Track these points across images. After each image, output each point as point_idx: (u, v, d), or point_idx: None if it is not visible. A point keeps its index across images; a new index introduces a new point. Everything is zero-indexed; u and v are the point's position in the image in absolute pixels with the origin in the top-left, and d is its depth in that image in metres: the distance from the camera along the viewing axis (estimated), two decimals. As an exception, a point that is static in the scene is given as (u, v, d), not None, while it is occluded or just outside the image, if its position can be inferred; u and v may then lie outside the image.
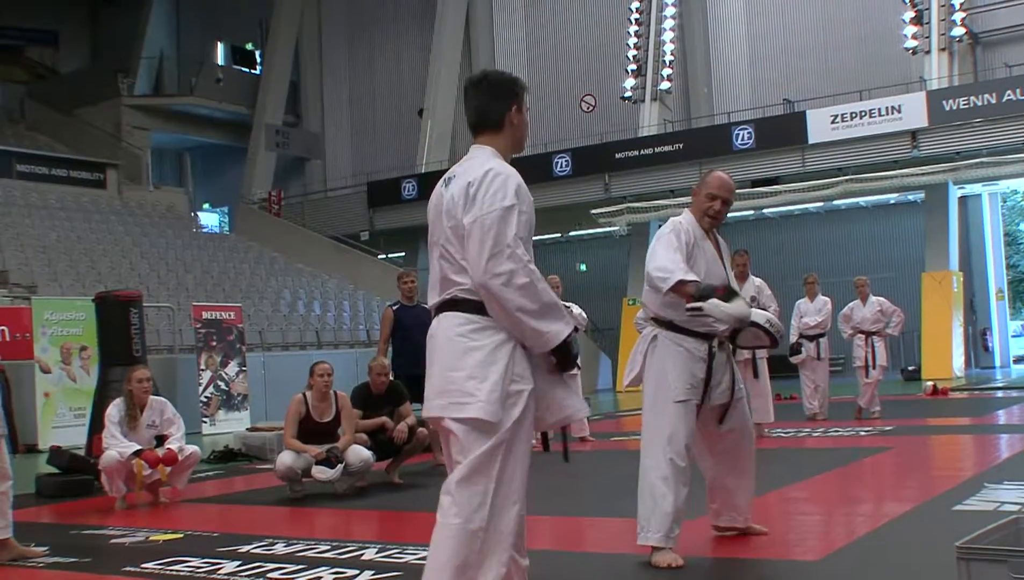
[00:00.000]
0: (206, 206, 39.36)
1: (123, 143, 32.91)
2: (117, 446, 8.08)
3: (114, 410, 8.31)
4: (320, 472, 8.16)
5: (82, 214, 27.32)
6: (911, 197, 26.70)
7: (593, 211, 27.28)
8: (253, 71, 38.22)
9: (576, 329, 12.06)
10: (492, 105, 3.78)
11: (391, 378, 9.40)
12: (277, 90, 35.96)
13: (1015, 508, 5.83)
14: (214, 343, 17.88)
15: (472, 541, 3.41)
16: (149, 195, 31.89)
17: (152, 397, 8.48)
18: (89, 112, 33.48)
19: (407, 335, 10.01)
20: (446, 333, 3.61)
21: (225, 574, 5.36)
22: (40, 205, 26.75)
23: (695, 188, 5.41)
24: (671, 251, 5.06)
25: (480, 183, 3.55)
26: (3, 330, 16.28)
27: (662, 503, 4.97)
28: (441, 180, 3.78)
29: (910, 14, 24.79)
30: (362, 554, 5.66)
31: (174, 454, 8.25)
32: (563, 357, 3.60)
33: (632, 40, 29.05)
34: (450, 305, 3.64)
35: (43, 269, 21.62)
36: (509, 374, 3.52)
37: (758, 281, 10.99)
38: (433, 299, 3.73)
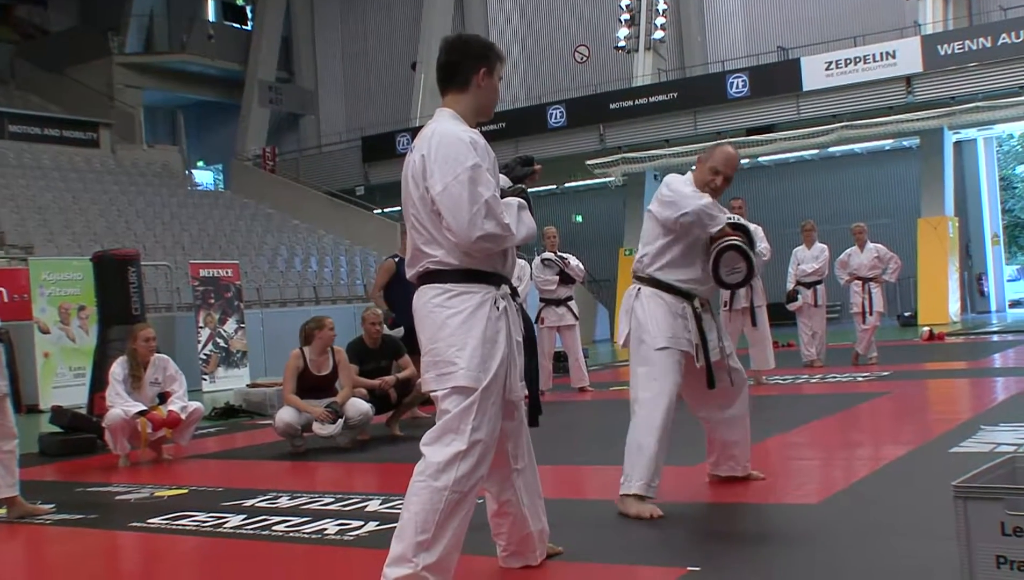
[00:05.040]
0: (200, 164, 39.23)
1: (115, 102, 32.72)
2: (122, 404, 8.13)
3: (118, 368, 8.36)
4: (321, 428, 8.22)
5: (76, 174, 27.25)
6: (906, 143, 26.64)
7: (588, 162, 27.19)
8: (244, 27, 37.96)
9: (575, 281, 11.97)
10: (462, 63, 3.83)
11: (391, 329, 9.45)
12: (269, 46, 35.73)
13: (1011, 449, 5.89)
14: (212, 301, 17.90)
15: (436, 499, 3.53)
16: (143, 154, 31.75)
17: (155, 355, 8.52)
18: (80, 71, 33.23)
19: (407, 288, 10.09)
20: (425, 305, 3.73)
21: (231, 528, 5.42)
22: (33, 165, 26.65)
23: (700, 156, 5.41)
24: (704, 196, 5.13)
25: (436, 151, 3.62)
26: (1, 291, 16.29)
27: (646, 453, 5.01)
28: (410, 147, 3.84)
29: (904, -43, 24.64)
30: (366, 505, 5.72)
31: (177, 417, 8.28)
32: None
33: (625, -11, 28.86)
34: (425, 277, 3.75)
35: (39, 229, 21.60)
36: (486, 337, 3.64)
37: (753, 226, 10.99)
38: (410, 273, 3.83)
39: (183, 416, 8.32)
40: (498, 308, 3.70)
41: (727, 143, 5.52)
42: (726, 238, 5.09)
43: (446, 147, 3.62)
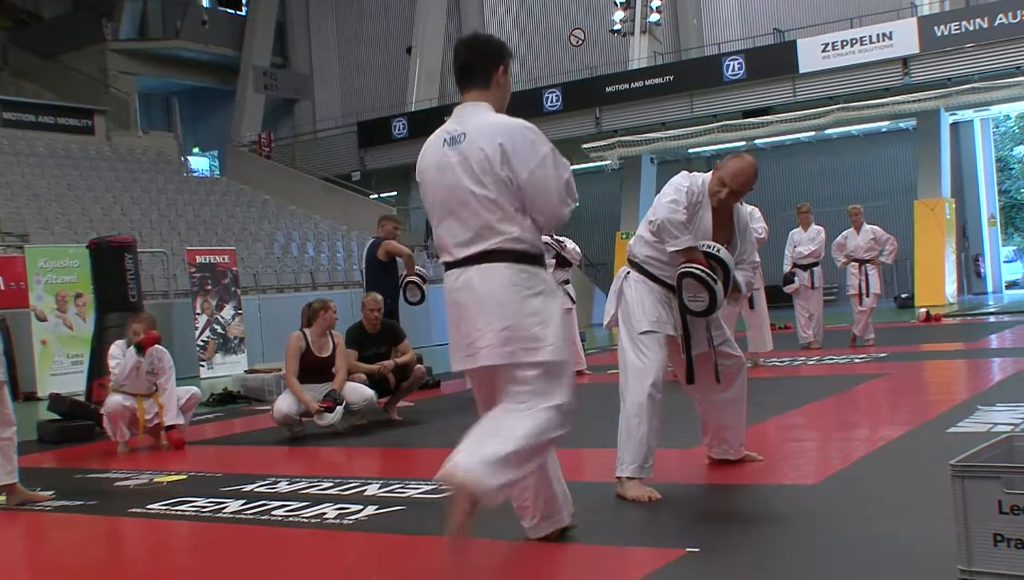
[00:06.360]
0: (196, 150, 39.17)
1: (110, 88, 32.64)
2: (121, 375, 8.20)
3: (116, 349, 8.42)
4: (321, 418, 8.21)
5: (71, 161, 27.16)
6: (903, 125, 26.63)
7: (584, 146, 27.17)
8: (239, 12, 37.84)
9: (572, 264, 11.96)
10: (483, 61, 3.98)
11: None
12: (263, 31, 35.66)
13: (1008, 428, 5.90)
14: (209, 287, 17.89)
15: (542, 424, 3.71)
16: (138, 140, 31.68)
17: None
18: (74, 58, 33.15)
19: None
20: (499, 283, 3.78)
21: (230, 513, 5.42)
22: (28, 153, 26.56)
23: (718, 162, 5.36)
24: (679, 212, 5.05)
25: (514, 140, 3.79)
26: (-2, 279, 16.28)
27: (635, 435, 5.03)
28: (442, 139, 3.91)
29: (900, -62, 24.58)
30: (365, 490, 5.72)
31: (180, 438, 8.39)
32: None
33: (620, -29, 28.80)
34: (495, 255, 3.80)
35: (34, 217, 21.54)
36: (562, 316, 3.89)
37: (749, 207, 10.96)
38: (462, 251, 3.85)
39: (167, 397, 8.39)
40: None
41: (746, 152, 5.41)
42: (686, 264, 5.02)
43: (521, 135, 3.81)
